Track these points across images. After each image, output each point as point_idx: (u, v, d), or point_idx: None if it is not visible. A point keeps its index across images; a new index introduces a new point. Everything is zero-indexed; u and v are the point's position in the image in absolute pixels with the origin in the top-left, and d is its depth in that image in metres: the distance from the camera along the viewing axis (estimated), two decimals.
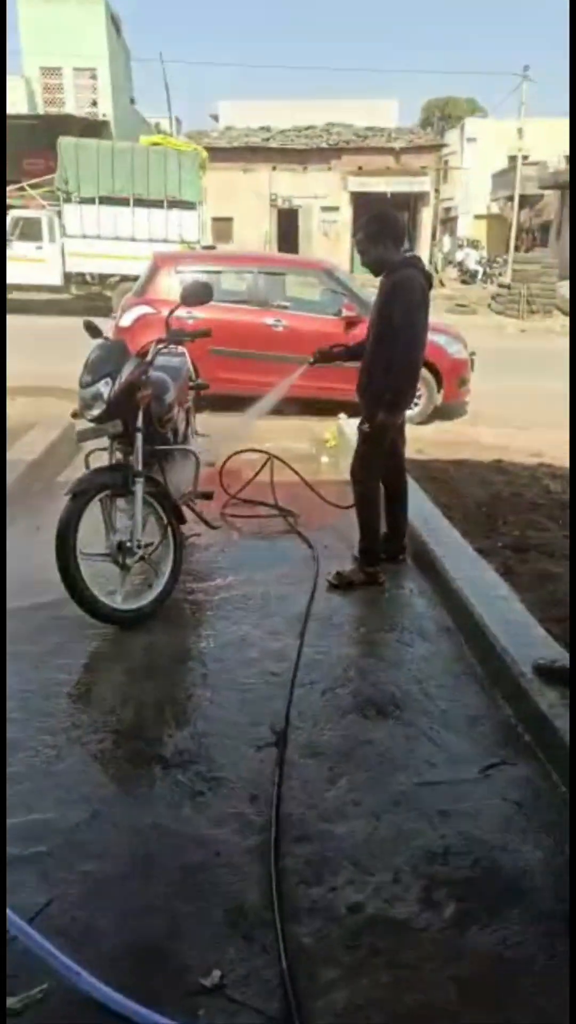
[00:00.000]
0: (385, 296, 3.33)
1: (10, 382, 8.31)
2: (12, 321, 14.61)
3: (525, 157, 25.31)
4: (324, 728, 2.55)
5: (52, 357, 10.03)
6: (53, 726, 2.55)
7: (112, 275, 15.73)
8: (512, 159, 32.39)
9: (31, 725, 2.55)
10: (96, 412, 3.17)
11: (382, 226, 3.43)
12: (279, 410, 7.94)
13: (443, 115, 48.26)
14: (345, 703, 2.70)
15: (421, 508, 4.23)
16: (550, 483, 5.11)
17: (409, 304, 3.25)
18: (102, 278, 16.07)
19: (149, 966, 1.72)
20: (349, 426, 6.67)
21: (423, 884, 1.92)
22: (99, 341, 3.32)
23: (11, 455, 5.35)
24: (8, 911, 1.67)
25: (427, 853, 2.02)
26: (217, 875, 1.95)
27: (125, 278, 15.38)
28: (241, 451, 5.18)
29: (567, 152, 33.45)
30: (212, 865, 1.98)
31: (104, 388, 3.13)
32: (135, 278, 15.01)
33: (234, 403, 7.13)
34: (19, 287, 15.98)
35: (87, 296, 16.80)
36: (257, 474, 5.05)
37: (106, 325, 8.60)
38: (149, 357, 3.36)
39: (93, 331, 3.61)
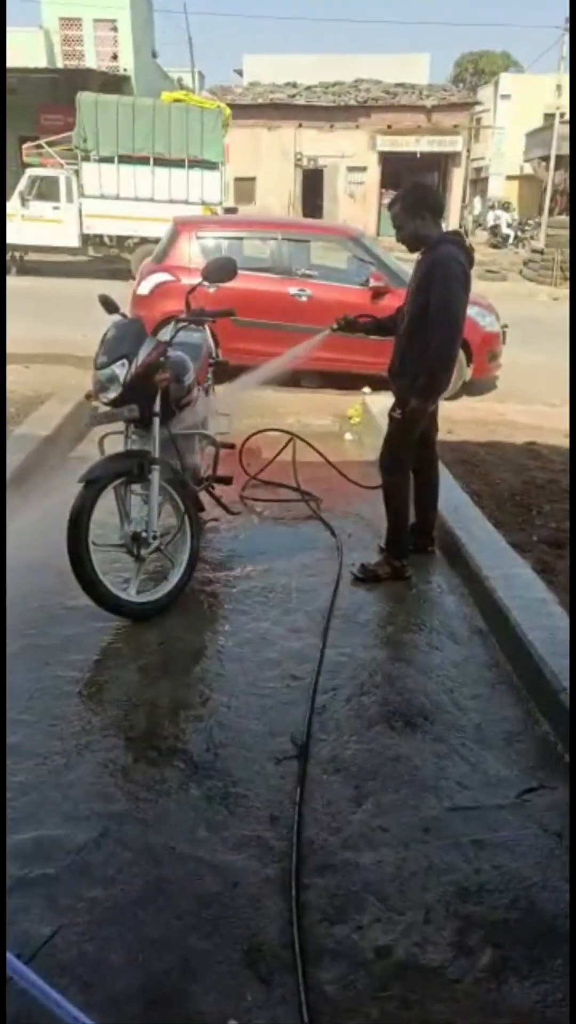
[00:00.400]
0: (423, 274, 3.09)
1: (26, 348, 8.15)
2: (29, 283, 14.44)
3: (563, 115, 24.28)
4: (349, 741, 2.41)
5: (68, 322, 9.83)
6: (63, 731, 2.43)
7: (130, 237, 15.39)
8: (548, 117, 31.20)
9: (40, 729, 2.43)
10: (112, 395, 3.00)
11: (420, 198, 3.18)
12: (299, 383, 7.80)
13: (476, 70, 46.60)
14: (371, 713, 2.55)
15: (451, 496, 4.02)
16: None
17: (449, 284, 3.02)
18: (120, 240, 15.73)
19: (161, 1012, 1.60)
20: (374, 402, 6.44)
21: (456, 925, 1.78)
22: (115, 319, 3.13)
23: (24, 429, 5.20)
24: (9, 956, 1.56)
25: (460, 889, 1.88)
26: (234, 908, 1.82)
27: (144, 240, 15.07)
28: (262, 430, 4.99)
29: None
30: (229, 896, 1.85)
31: (120, 370, 2.96)
32: (155, 240, 14.75)
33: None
34: (36, 248, 15.70)
35: (105, 259, 16.50)
36: (278, 454, 4.86)
37: (127, 291, 8.39)
38: (168, 336, 3.17)
39: (109, 306, 3.42)
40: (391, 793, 2.19)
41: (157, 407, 3.09)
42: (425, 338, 3.09)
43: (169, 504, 3.23)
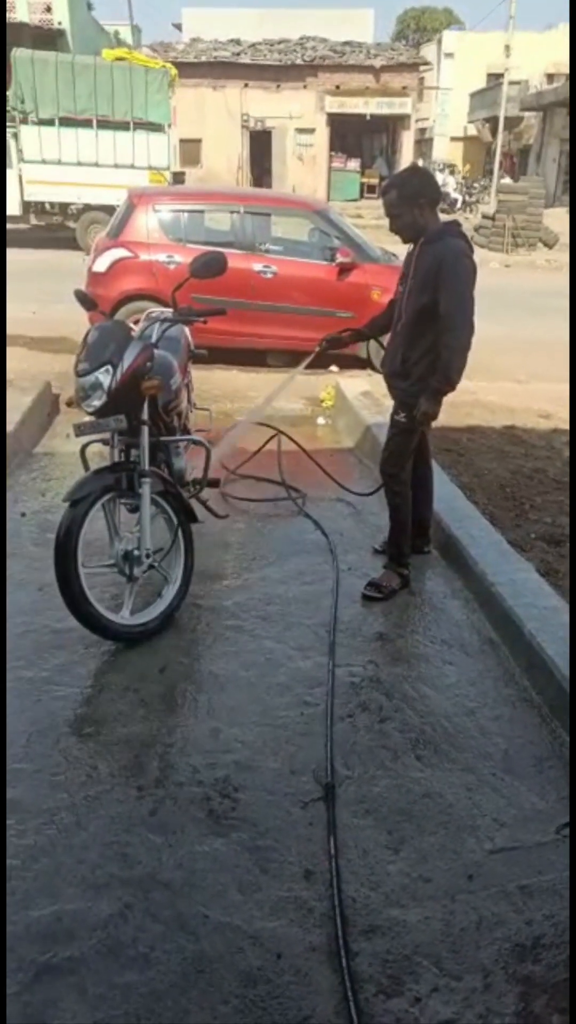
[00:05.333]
0: (429, 271, 2.90)
1: None
2: None
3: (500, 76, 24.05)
4: (375, 776, 2.29)
5: (14, 297, 9.28)
6: (67, 780, 2.25)
7: (74, 203, 14.70)
8: (493, 76, 30.91)
9: (42, 780, 2.24)
10: (96, 404, 2.77)
11: (419, 186, 2.98)
12: (266, 362, 7.56)
13: (419, 27, 45.81)
14: (394, 742, 2.43)
15: (444, 490, 3.90)
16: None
17: (462, 283, 2.85)
18: (63, 207, 15.01)
19: None
20: (346, 385, 6.28)
21: (519, 991, 1.69)
22: (97, 323, 2.88)
23: None
24: None
25: (515, 946, 1.79)
26: (282, 985, 1.69)
27: (89, 207, 14.45)
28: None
29: (548, 71, 32.08)
30: (274, 971, 1.72)
31: (104, 377, 2.72)
32: (100, 207, 14.13)
33: (219, 356, 6.68)
34: None
35: (48, 227, 15.72)
36: (260, 449, 4.69)
37: (70, 260, 7.93)
38: (154, 338, 2.93)
39: (86, 302, 3.17)
40: (428, 836, 2.08)
41: (145, 415, 2.87)
42: (429, 338, 2.93)
43: (161, 517, 3.03)
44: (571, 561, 3.30)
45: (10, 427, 4.89)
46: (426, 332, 2.94)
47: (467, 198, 25.42)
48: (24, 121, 13.95)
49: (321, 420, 6.05)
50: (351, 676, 2.76)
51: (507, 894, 1.92)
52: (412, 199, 2.94)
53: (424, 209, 2.96)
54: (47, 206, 15.07)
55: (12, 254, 14.18)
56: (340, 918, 1.82)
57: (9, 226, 15.72)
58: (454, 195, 25.34)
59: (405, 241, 3.13)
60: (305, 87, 23.59)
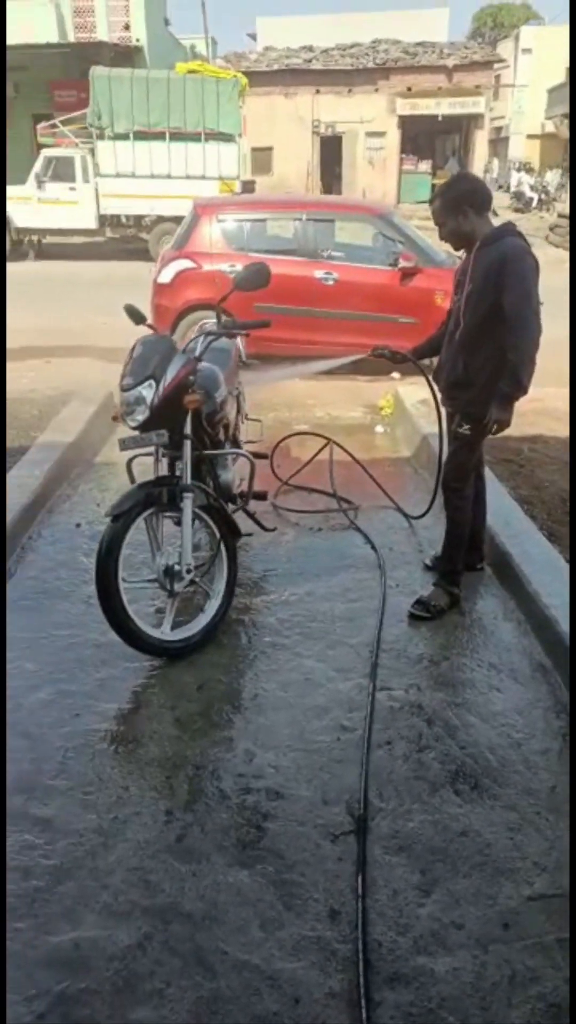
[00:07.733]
0: (489, 272, 2.77)
1: (42, 339, 7.92)
2: (47, 268, 14.18)
3: None
4: (410, 810, 2.18)
5: (87, 307, 9.57)
6: (98, 801, 2.24)
7: (147, 215, 15.02)
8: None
9: (74, 799, 2.24)
10: (139, 418, 2.77)
11: (463, 193, 2.87)
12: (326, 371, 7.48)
13: (496, 23, 44.88)
14: (432, 773, 2.32)
15: (500, 504, 3.75)
16: None
17: (529, 281, 2.71)
18: (137, 219, 15.36)
19: None
20: (406, 393, 6.15)
21: None
22: (142, 337, 2.89)
23: (48, 436, 4.97)
24: None
25: (550, 1007, 1.66)
26: None
27: (161, 219, 14.72)
28: (295, 434, 4.73)
29: None
30: (290, 1017, 1.65)
31: (147, 392, 2.72)
32: (172, 218, 14.42)
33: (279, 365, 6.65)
34: (54, 231, 15.40)
35: (122, 239, 16.15)
36: (312, 459, 4.62)
37: (144, 271, 8.06)
38: (198, 351, 2.92)
39: (135, 316, 3.18)
40: (462, 879, 1.97)
41: (188, 429, 2.85)
42: (494, 343, 2.80)
43: (204, 531, 3.01)
44: (571, 556, 3.07)
45: (72, 437, 5.00)
46: (490, 337, 2.82)
47: (543, 196, 24.70)
48: (100, 136, 14.36)
49: (380, 428, 5.94)
50: (392, 700, 2.66)
51: (544, 947, 1.79)
52: (455, 206, 2.85)
53: (468, 215, 2.85)
54: (122, 219, 15.46)
55: (91, 267, 14.66)
56: (363, 964, 1.73)
57: (85, 240, 16.24)
58: (530, 194, 24.70)
59: (456, 249, 3.05)
60: (376, 90, 23.37)
